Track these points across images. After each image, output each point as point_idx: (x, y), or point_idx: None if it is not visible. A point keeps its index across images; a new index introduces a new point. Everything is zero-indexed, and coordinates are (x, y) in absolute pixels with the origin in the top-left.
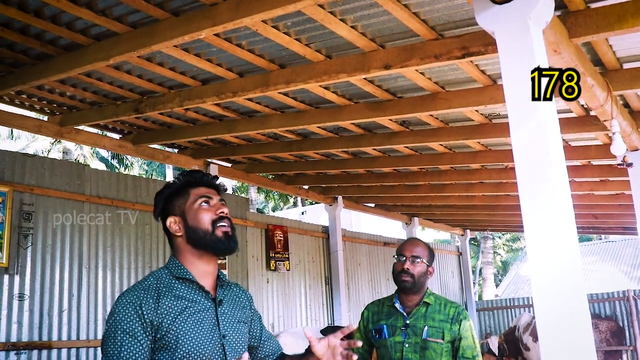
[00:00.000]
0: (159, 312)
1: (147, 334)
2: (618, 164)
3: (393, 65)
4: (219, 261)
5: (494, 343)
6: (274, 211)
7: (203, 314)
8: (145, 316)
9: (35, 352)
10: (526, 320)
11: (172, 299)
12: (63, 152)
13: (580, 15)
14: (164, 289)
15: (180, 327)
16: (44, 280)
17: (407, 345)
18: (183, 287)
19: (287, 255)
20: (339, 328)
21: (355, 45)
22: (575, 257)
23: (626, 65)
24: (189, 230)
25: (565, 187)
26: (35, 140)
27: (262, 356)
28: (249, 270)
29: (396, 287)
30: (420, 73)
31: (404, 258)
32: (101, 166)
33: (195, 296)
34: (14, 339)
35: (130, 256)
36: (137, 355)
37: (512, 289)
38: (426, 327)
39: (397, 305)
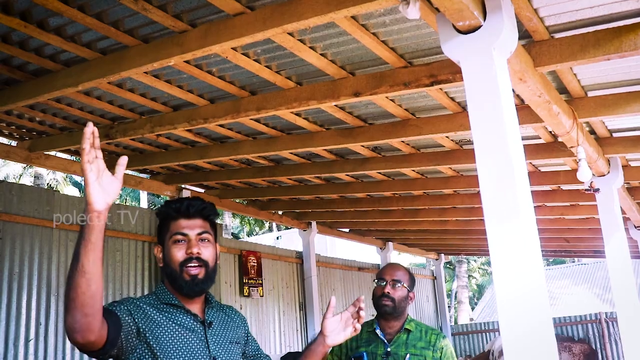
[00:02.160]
0: (146, 322)
1: (131, 324)
2: (585, 190)
3: (363, 92)
4: None
5: None
6: (249, 236)
7: (191, 336)
8: (134, 316)
9: None
10: (500, 344)
11: (162, 318)
12: (34, 177)
13: (545, 45)
14: (154, 310)
15: (166, 345)
16: (10, 308)
17: None
18: (172, 311)
19: (260, 281)
20: (299, 354)
21: (325, 73)
22: (541, 281)
23: (591, 93)
24: (165, 264)
25: (530, 213)
26: (7, 164)
27: None
28: (222, 296)
29: (373, 313)
30: (391, 100)
31: (385, 282)
32: (74, 191)
33: (183, 319)
34: None
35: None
36: (118, 317)
37: (488, 312)
38: (408, 355)
39: (378, 331)
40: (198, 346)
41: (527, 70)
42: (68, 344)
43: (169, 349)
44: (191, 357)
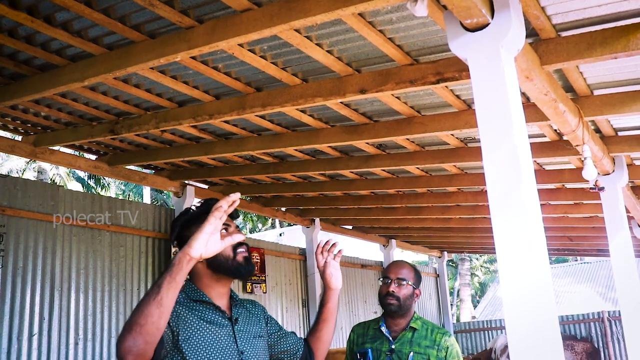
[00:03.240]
0: (177, 323)
1: (169, 330)
2: (590, 188)
3: (369, 89)
4: None
5: None
6: (252, 232)
7: (221, 333)
8: (170, 322)
9: None
10: (503, 342)
11: (191, 316)
12: (38, 172)
13: (552, 43)
14: (184, 309)
15: (196, 344)
16: (14, 303)
17: None
18: (202, 308)
19: (263, 278)
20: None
21: (331, 70)
22: (547, 279)
23: (597, 92)
24: (208, 260)
25: (536, 211)
26: (9, 159)
27: (284, 349)
28: None
29: (376, 311)
30: (396, 97)
31: (390, 281)
32: (77, 186)
33: (213, 317)
34: None
35: (105, 279)
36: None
37: (490, 310)
38: (412, 353)
39: (383, 329)
40: (227, 342)
41: (534, 69)
42: (71, 339)
43: (198, 347)
44: (220, 353)
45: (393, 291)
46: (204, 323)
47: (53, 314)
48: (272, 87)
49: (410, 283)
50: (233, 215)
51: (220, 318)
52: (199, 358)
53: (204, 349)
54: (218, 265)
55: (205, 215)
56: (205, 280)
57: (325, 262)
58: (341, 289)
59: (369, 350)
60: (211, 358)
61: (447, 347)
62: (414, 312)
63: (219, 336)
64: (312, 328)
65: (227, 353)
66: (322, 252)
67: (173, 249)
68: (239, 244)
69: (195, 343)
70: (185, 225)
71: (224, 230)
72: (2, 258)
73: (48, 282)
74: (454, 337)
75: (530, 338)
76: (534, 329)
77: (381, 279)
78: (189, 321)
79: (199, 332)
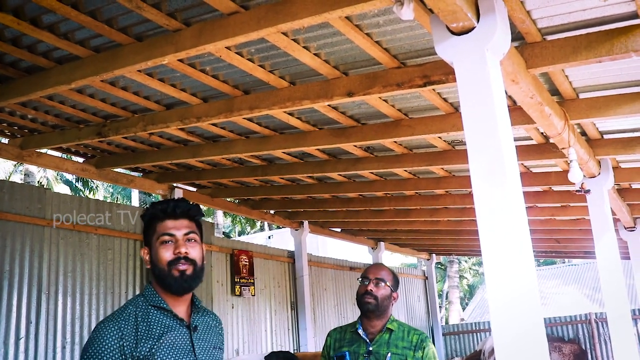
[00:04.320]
0: (137, 341)
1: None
2: (576, 191)
3: (356, 92)
4: None
5: None
6: (240, 235)
7: (179, 341)
8: (126, 348)
9: None
10: (491, 344)
11: (149, 327)
12: (25, 175)
13: (537, 47)
14: (141, 318)
15: (159, 355)
16: (0, 307)
17: None
18: (159, 314)
19: (252, 280)
20: (283, 353)
21: (319, 73)
22: (533, 282)
23: (582, 95)
24: (153, 265)
25: (522, 213)
26: None
27: None
28: (214, 295)
29: (360, 311)
30: (384, 100)
31: (368, 281)
32: (65, 189)
33: (171, 323)
34: None
35: (92, 282)
36: None
37: (479, 313)
38: (389, 354)
39: (360, 331)
40: (183, 350)
41: (520, 72)
42: (58, 342)
43: (160, 356)
44: None
45: (371, 290)
46: (162, 330)
47: (40, 317)
48: (259, 90)
49: (388, 284)
50: (191, 215)
51: (177, 325)
52: None
53: (160, 357)
54: (157, 276)
55: (154, 222)
56: (158, 287)
57: None
58: (330, 291)
59: (347, 353)
60: None
61: (424, 348)
62: (391, 315)
63: (175, 344)
64: None
65: None
66: None
67: (142, 251)
68: (177, 259)
69: (156, 354)
70: (145, 229)
71: (164, 242)
72: None
73: (35, 285)
74: (430, 339)
75: (516, 340)
76: (519, 331)
77: (360, 279)
78: (144, 331)
79: (154, 340)
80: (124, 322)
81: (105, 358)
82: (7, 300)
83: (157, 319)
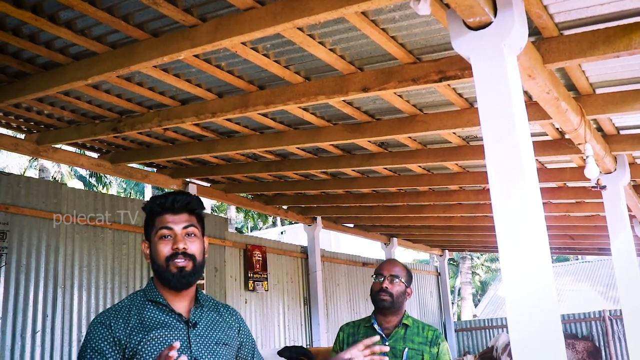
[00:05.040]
0: (127, 332)
1: (116, 352)
2: (592, 187)
3: (371, 88)
4: (198, 281)
5: None
6: (252, 231)
7: (172, 336)
8: (115, 335)
9: None
10: (504, 340)
11: (142, 321)
12: (40, 170)
13: (554, 42)
14: (135, 311)
15: (147, 349)
16: (17, 300)
17: None
18: (155, 309)
19: (265, 276)
20: (296, 348)
21: (334, 68)
22: (549, 278)
23: (599, 91)
24: (152, 260)
25: (539, 209)
26: (9, 155)
27: None
28: (227, 290)
29: (374, 307)
30: (399, 96)
31: (383, 278)
32: (79, 185)
33: (166, 318)
34: None
35: (107, 276)
36: None
37: (491, 309)
38: (406, 349)
39: (376, 326)
40: (180, 346)
41: (536, 67)
42: (74, 336)
43: (146, 351)
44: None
45: (386, 287)
46: (154, 324)
47: (56, 311)
48: (274, 86)
49: (402, 281)
50: (191, 209)
51: (174, 321)
52: None
53: (152, 353)
54: (156, 271)
55: (153, 216)
56: (157, 281)
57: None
58: (343, 286)
59: None
60: None
61: (439, 344)
62: (405, 310)
63: (169, 340)
64: None
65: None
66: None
67: (142, 245)
68: (176, 254)
69: (143, 348)
70: (146, 223)
71: (163, 237)
72: (6, 256)
73: (51, 279)
74: (443, 335)
75: (533, 336)
76: (536, 327)
77: (374, 275)
78: (140, 328)
79: (148, 336)
80: (114, 313)
81: (93, 345)
82: (23, 294)
83: (151, 313)
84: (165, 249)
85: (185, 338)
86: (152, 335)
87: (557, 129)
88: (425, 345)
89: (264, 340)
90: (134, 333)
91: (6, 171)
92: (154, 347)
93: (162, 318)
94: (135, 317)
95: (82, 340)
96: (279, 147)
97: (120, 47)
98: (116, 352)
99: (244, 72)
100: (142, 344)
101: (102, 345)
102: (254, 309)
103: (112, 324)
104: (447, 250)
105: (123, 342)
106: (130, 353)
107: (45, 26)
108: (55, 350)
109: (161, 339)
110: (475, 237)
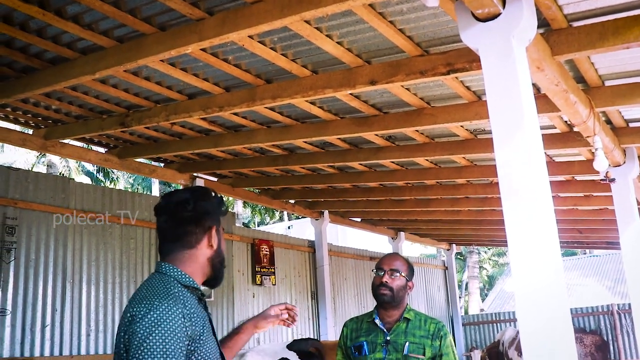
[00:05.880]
0: (191, 322)
1: (185, 350)
2: (601, 180)
3: (379, 81)
4: None
5: (477, 357)
6: (259, 225)
7: (209, 326)
8: (187, 329)
9: None
10: (511, 334)
11: (192, 308)
12: (47, 166)
13: (563, 34)
14: (187, 302)
15: (205, 343)
16: (26, 295)
17: None
18: (191, 298)
19: (273, 270)
20: (304, 341)
21: (341, 61)
22: (559, 271)
23: (608, 83)
24: (218, 249)
25: (548, 202)
26: (18, 152)
27: None
28: (235, 284)
29: (376, 302)
30: (406, 89)
31: (383, 272)
32: (87, 180)
33: (200, 306)
34: None
35: (115, 271)
36: None
37: (498, 304)
38: (407, 343)
39: (377, 321)
40: (211, 331)
41: (545, 59)
42: (83, 330)
43: (207, 343)
44: (214, 345)
45: (386, 282)
46: (200, 313)
47: (65, 305)
48: (282, 79)
49: (403, 275)
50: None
51: (202, 307)
52: (209, 355)
53: (210, 346)
54: (215, 264)
55: (218, 210)
56: (197, 269)
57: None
58: (350, 280)
59: (364, 343)
60: (213, 352)
61: (442, 337)
62: (407, 304)
63: (209, 328)
64: (225, 338)
65: (215, 343)
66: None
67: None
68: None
69: (204, 342)
70: (215, 210)
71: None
72: (15, 250)
73: (60, 274)
74: (447, 328)
75: (542, 330)
76: (545, 321)
77: (374, 270)
78: (198, 322)
79: (204, 329)
80: (180, 303)
81: (175, 338)
82: (33, 288)
83: (191, 301)
84: (224, 247)
85: (208, 322)
86: (205, 327)
87: (566, 121)
88: (426, 339)
89: (272, 334)
90: (194, 321)
91: (14, 166)
92: (208, 332)
93: (196, 303)
94: (187, 304)
95: (152, 326)
96: (286, 141)
97: (128, 41)
98: (185, 350)
99: (251, 65)
100: (201, 340)
101: (183, 337)
102: (262, 303)
103: (184, 314)
104: (454, 245)
105: (189, 332)
106: (191, 349)
107: (53, 20)
108: (64, 343)
109: (208, 328)
110: (482, 231)
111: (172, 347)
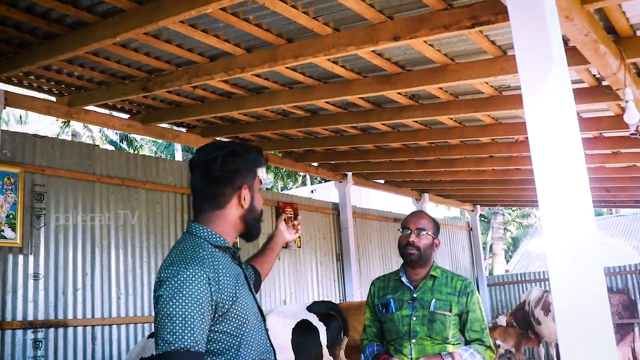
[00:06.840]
0: (220, 286)
1: (211, 316)
2: (631, 134)
3: (402, 36)
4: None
5: (502, 323)
6: (282, 190)
7: (244, 282)
8: (213, 294)
9: (51, 330)
10: (537, 294)
11: (224, 270)
12: (73, 135)
13: None
14: (217, 264)
15: (240, 300)
16: (57, 259)
17: (414, 319)
18: (223, 257)
19: None
20: (324, 303)
21: (364, 17)
22: (592, 230)
23: None
24: (250, 207)
25: (580, 158)
26: (42, 123)
27: None
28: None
29: (403, 261)
30: (430, 45)
31: (409, 231)
32: (110, 149)
33: (231, 263)
34: (30, 317)
35: (142, 235)
36: (203, 337)
37: (523, 265)
38: (434, 300)
39: (404, 279)
40: (248, 289)
41: (574, 8)
42: (113, 293)
43: (243, 304)
44: (253, 303)
45: (413, 241)
46: (234, 273)
47: (95, 269)
48: (303, 38)
49: (429, 233)
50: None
51: (236, 265)
52: (246, 319)
53: (246, 306)
54: (250, 220)
55: (255, 166)
56: (228, 228)
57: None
58: (375, 242)
59: (391, 300)
60: (251, 313)
61: (468, 294)
62: (434, 262)
63: (246, 287)
64: (257, 254)
65: (254, 302)
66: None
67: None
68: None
69: (239, 304)
70: (247, 166)
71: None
72: (44, 216)
73: (89, 239)
74: (473, 284)
75: (575, 291)
76: (578, 281)
77: (400, 229)
78: (229, 284)
79: (238, 291)
80: (208, 266)
81: (197, 305)
82: (63, 253)
83: (223, 260)
84: (261, 202)
85: (245, 280)
86: (239, 289)
87: (594, 75)
88: (453, 296)
89: (298, 295)
90: (224, 285)
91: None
92: (245, 300)
93: (229, 263)
94: (221, 271)
95: (175, 291)
96: (308, 102)
97: (147, 3)
98: (211, 316)
99: (272, 24)
100: (236, 304)
101: (207, 302)
102: (288, 265)
103: (210, 278)
104: (478, 206)
105: (214, 297)
106: (222, 312)
107: None
108: (96, 307)
109: (244, 288)
110: (507, 190)
111: (192, 313)
